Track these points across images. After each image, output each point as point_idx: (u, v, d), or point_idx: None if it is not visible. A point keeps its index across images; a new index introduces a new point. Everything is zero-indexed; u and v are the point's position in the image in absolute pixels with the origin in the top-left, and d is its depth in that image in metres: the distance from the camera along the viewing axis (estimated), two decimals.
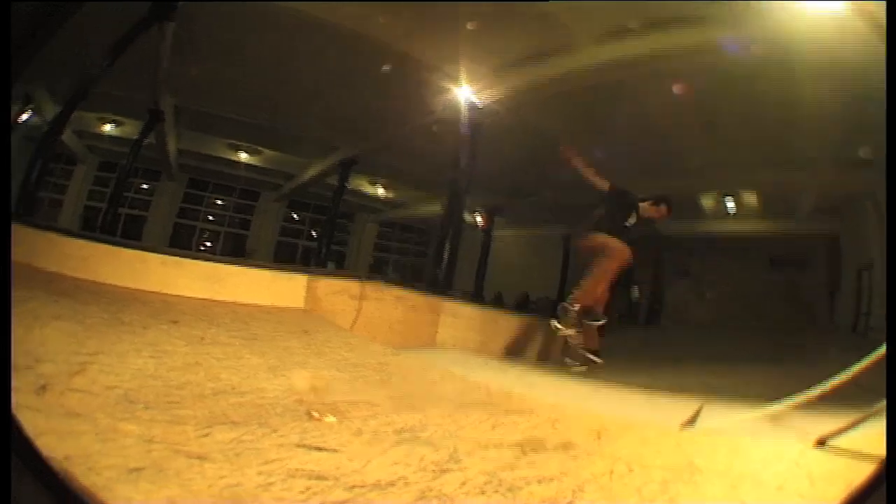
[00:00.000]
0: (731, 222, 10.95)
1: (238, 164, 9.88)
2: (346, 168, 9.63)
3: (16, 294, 1.35)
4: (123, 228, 8.46)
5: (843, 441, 1.65)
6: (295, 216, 11.95)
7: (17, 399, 1.07)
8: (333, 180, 9.92)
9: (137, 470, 1.03)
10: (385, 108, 7.35)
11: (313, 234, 11.85)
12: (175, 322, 2.83)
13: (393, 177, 11.27)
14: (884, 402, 1.44)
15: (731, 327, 10.58)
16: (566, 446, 1.60)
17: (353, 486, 1.13)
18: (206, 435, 1.31)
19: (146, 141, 7.78)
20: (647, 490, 1.31)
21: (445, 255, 6.50)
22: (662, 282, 8.91)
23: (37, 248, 3.77)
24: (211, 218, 10.61)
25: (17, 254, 3.05)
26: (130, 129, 8.17)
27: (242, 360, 2.27)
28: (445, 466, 1.31)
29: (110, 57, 5.94)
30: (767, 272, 12.25)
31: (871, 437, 1.51)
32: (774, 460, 1.60)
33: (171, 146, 8.60)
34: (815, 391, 2.11)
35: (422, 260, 14.17)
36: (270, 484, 1.08)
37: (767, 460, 1.61)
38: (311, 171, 10.33)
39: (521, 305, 9.04)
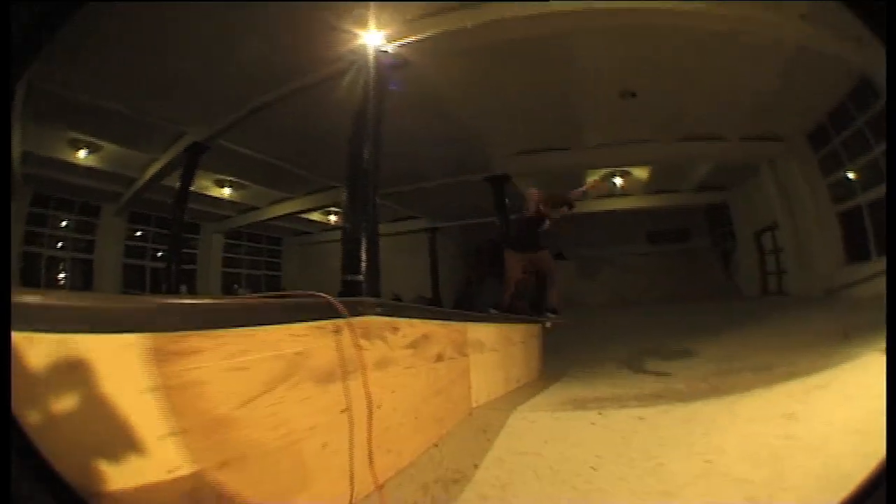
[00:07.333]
0: (616, 201, 10.61)
1: (77, 167, 8.01)
2: (194, 157, 7.59)
3: None
4: None
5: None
6: (138, 232, 10.25)
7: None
8: (174, 182, 7.96)
9: None
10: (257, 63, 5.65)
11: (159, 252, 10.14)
12: None
13: (248, 171, 9.12)
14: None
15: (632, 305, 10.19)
16: None
17: None
18: None
19: None
20: None
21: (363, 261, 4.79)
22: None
23: None
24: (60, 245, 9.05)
25: None
26: None
27: None
28: None
29: None
30: (647, 247, 12.25)
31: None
32: None
33: (17, 147, 6.39)
34: None
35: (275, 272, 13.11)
36: None
37: None
38: (153, 169, 8.35)
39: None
